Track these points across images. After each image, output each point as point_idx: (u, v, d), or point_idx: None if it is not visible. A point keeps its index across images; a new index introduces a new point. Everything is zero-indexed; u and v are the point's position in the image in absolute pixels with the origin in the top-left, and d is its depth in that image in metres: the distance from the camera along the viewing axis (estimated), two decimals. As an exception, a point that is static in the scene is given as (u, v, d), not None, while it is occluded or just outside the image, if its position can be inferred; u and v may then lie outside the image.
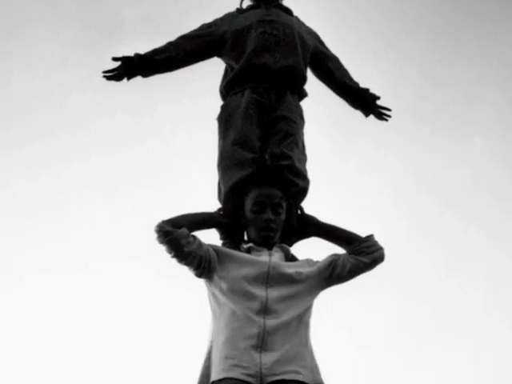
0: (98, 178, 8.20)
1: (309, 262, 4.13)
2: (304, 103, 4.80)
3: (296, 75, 4.72)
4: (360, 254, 4.08)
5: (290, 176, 4.36)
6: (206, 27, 4.87)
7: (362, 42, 8.36)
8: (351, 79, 5.06)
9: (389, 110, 5.13)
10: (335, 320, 7.07)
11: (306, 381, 3.81)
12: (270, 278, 3.93)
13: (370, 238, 4.16)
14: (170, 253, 3.91)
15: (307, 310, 3.99)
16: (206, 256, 3.93)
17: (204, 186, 4.84)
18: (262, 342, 3.78)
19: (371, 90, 5.11)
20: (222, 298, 3.92)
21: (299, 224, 4.34)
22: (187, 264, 3.93)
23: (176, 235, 3.88)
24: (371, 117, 5.16)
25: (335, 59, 5.05)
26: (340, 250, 4.19)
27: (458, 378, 8.01)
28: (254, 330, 3.80)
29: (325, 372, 3.97)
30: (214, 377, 3.80)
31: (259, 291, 3.88)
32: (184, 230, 3.91)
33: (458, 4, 9.31)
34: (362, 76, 5.13)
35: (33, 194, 8.32)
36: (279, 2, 5.01)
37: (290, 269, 3.99)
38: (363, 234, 4.19)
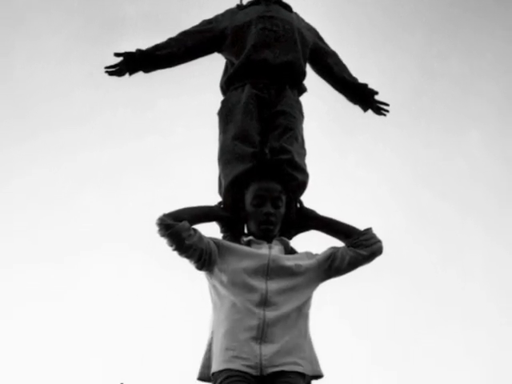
0: (99, 171, 8.22)
1: (308, 254, 4.12)
2: (303, 98, 4.79)
3: (295, 71, 4.71)
4: (359, 247, 4.08)
5: (290, 170, 4.35)
6: (206, 23, 4.86)
7: (361, 38, 8.36)
8: (350, 74, 5.05)
9: (387, 104, 5.12)
10: (334, 312, 7.08)
11: (305, 372, 3.82)
12: (270, 270, 3.92)
13: (368, 230, 4.15)
14: (171, 246, 3.91)
15: (306, 302, 3.99)
16: (206, 249, 3.92)
17: (203, 179, 4.84)
18: (262, 334, 3.78)
19: (369, 85, 5.10)
20: (223, 291, 3.92)
21: (298, 217, 4.34)
22: (188, 257, 3.93)
23: (177, 228, 3.88)
24: (370, 111, 5.16)
25: (334, 55, 5.04)
26: (339, 243, 4.19)
27: (455, 367, 8.03)
28: (254, 322, 3.80)
29: (324, 363, 3.98)
30: (214, 368, 3.81)
31: (259, 283, 3.88)
32: (185, 224, 3.91)
33: (454, 0, 9.31)
34: (361, 71, 5.12)
35: (35, 186, 8.33)
36: (279, -2, 4.99)
37: (289, 261, 3.99)
38: (362, 227, 4.19)
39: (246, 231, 4.26)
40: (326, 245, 4.19)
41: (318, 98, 5.18)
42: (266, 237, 4.09)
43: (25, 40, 8.53)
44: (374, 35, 8.68)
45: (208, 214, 4.24)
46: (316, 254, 4.13)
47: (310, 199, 4.44)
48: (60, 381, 7.36)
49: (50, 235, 8.18)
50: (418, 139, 8.90)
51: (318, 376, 3.93)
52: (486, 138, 9.20)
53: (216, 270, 3.97)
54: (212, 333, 3.97)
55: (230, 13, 4.90)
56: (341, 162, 8.14)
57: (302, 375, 3.80)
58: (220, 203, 4.36)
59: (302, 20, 4.99)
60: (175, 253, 3.94)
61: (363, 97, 5.09)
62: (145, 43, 4.74)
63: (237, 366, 3.72)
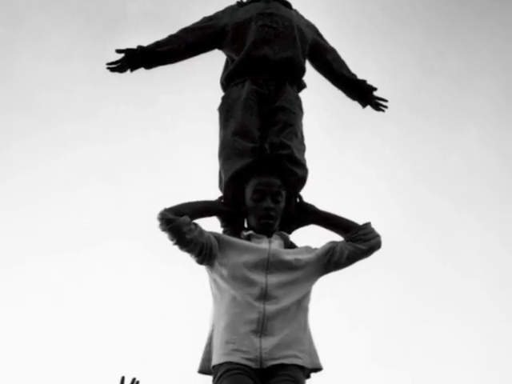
0: (101, 166, 8.21)
1: (307, 249, 4.13)
2: (303, 94, 4.79)
3: (295, 67, 4.70)
4: (357, 241, 4.08)
5: (289, 165, 4.35)
6: (207, 20, 4.86)
7: (360, 35, 8.36)
8: (349, 71, 5.04)
9: (385, 100, 5.12)
10: (334, 305, 7.08)
11: (304, 365, 3.83)
12: (270, 264, 3.92)
13: (366, 225, 4.15)
14: (172, 240, 3.91)
15: (306, 296, 4.00)
16: (207, 243, 3.92)
17: (206, 175, 4.83)
18: (262, 327, 3.78)
19: (368, 82, 5.10)
20: (223, 284, 3.92)
21: (298, 212, 4.33)
22: (189, 251, 3.93)
23: (178, 223, 3.87)
24: (368, 107, 5.15)
25: (333, 51, 5.03)
26: (338, 238, 4.19)
27: (453, 361, 8.04)
28: (254, 316, 3.80)
29: (323, 356, 3.98)
30: (214, 361, 3.81)
31: (259, 277, 3.88)
32: (186, 218, 3.91)
33: (452, -2, 9.32)
34: (360, 67, 5.12)
35: (37, 181, 8.32)
36: (278, -5, 4.98)
37: (289, 256, 3.99)
38: (360, 222, 4.19)
39: (246, 226, 4.27)
40: (326, 239, 4.19)
41: (317, 94, 5.18)
42: (265, 231, 4.09)
43: (27, 37, 8.53)
44: (372, 32, 8.68)
45: (208, 209, 4.24)
46: (315, 249, 4.13)
47: (310, 194, 4.44)
48: (61, 375, 7.36)
49: (50, 228, 8.18)
50: (416, 135, 8.91)
51: (318, 369, 3.94)
52: (484, 135, 9.20)
53: (216, 264, 3.97)
54: (212, 326, 3.97)
55: (230, 10, 4.90)
56: (339, 157, 8.14)
57: (301, 368, 3.81)
58: (220, 198, 4.36)
59: (302, 17, 4.99)
60: (176, 247, 3.94)
61: (362, 93, 5.08)
62: (146, 40, 4.75)
63: (237, 358, 3.73)
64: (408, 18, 9.07)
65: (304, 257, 4.02)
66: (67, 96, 8.33)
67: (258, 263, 3.92)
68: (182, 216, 3.91)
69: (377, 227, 4.17)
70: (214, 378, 3.79)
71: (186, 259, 4.01)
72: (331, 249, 4.07)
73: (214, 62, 4.90)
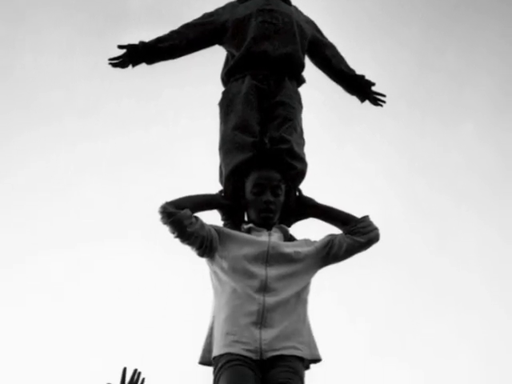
0: (103, 162, 8.21)
1: (307, 241, 4.14)
2: (302, 89, 4.79)
3: (294, 62, 4.71)
4: (356, 234, 4.09)
5: (289, 159, 4.35)
6: (207, 16, 4.86)
7: (359, 31, 8.34)
8: (347, 66, 5.04)
9: (383, 95, 5.12)
10: (333, 297, 7.09)
11: (304, 356, 3.84)
12: (270, 257, 3.94)
13: (365, 218, 4.17)
14: (174, 233, 3.92)
15: (305, 288, 4.01)
16: (207, 236, 3.93)
17: (207, 170, 4.84)
18: (262, 319, 3.80)
19: (366, 77, 5.09)
20: (224, 277, 3.93)
21: (297, 205, 4.34)
22: (190, 244, 3.94)
23: (179, 216, 3.88)
24: (367, 102, 5.15)
25: (332, 47, 5.03)
26: (337, 231, 4.19)
27: (450, 352, 8.05)
28: (254, 308, 3.82)
29: (322, 347, 3.99)
30: (215, 352, 3.82)
31: (259, 270, 3.90)
32: (187, 211, 3.92)
33: (450, -5, 9.32)
34: (358, 63, 5.12)
35: (39, 177, 8.32)
36: (278, -9, 4.98)
37: (288, 248, 4.00)
38: (359, 215, 4.19)
39: (246, 219, 4.27)
40: (325, 232, 4.20)
41: (316, 89, 5.17)
42: (265, 224, 4.11)
43: (28, 33, 8.51)
44: (371, 29, 8.68)
45: (209, 202, 4.25)
46: (314, 241, 4.14)
47: (309, 188, 4.45)
48: (62, 370, 7.37)
49: (53, 223, 8.17)
50: (415, 130, 8.91)
51: (317, 360, 3.95)
52: (481, 130, 9.20)
53: (217, 256, 3.98)
54: (213, 318, 3.98)
55: (230, 6, 4.90)
56: (338, 152, 8.14)
57: (300, 359, 3.82)
58: (221, 192, 4.37)
59: (301, 13, 4.99)
60: (177, 240, 3.96)
61: (360, 88, 5.08)
62: (148, 36, 4.75)
63: (237, 350, 3.74)
64: (406, 15, 9.07)
65: (303, 249, 4.04)
66: (68, 92, 8.32)
67: (257, 256, 3.93)
68: (183, 209, 3.92)
69: (375, 221, 4.19)
70: (214, 369, 3.80)
71: (187, 252, 4.02)
72: (330, 241, 4.08)
73: (214, 57, 4.90)
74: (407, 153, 8.83)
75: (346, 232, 4.12)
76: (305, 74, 4.82)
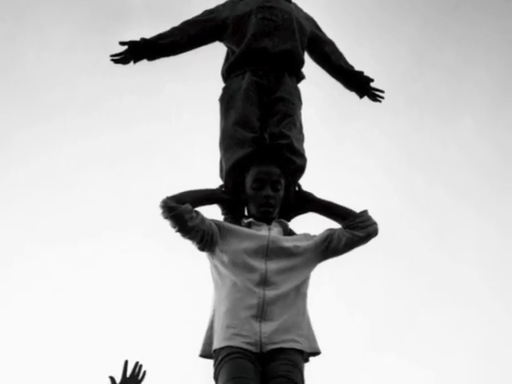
0: (104, 157, 8.21)
1: (306, 236, 4.15)
2: (301, 85, 4.80)
3: (294, 59, 4.72)
4: (355, 229, 4.09)
5: (289, 154, 4.36)
6: (208, 13, 4.87)
7: (358, 28, 8.35)
8: (346, 62, 5.05)
9: (382, 91, 5.13)
10: (332, 291, 7.10)
11: (303, 349, 3.85)
12: (270, 251, 3.95)
13: (364, 213, 4.17)
14: (174, 227, 3.93)
15: (304, 282, 4.02)
16: (208, 230, 3.94)
17: (207, 166, 4.85)
18: (262, 312, 3.80)
19: (365, 73, 5.10)
20: (224, 270, 3.94)
21: (297, 200, 4.34)
22: (190, 238, 3.95)
23: (180, 211, 3.89)
24: (365, 98, 5.16)
25: (331, 43, 5.04)
26: (336, 225, 4.20)
27: (449, 346, 8.06)
28: (254, 301, 3.82)
29: (321, 340, 4.00)
30: (215, 345, 3.83)
31: (259, 264, 3.91)
32: (187, 206, 3.93)
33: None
34: (357, 59, 5.12)
35: (40, 173, 8.32)
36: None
37: (288, 242, 4.01)
38: (358, 210, 4.20)
39: (246, 213, 4.28)
40: (324, 227, 4.21)
41: (315, 85, 5.18)
42: (265, 219, 4.11)
43: (30, 30, 8.51)
44: (370, 26, 8.68)
45: (210, 197, 4.26)
46: (314, 236, 4.15)
47: (308, 184, 4.45)
48: (63, 366, 7.38)
49: (52, 222, 8.18)
50: (413, 126, 8.91)
51: (316, 353, 3.96)
52: (479, 125, 9.20)
53: (217, 250, 3.99)
54: (213, 311, 3.98)
55: (230, 3, 4.91)
56: (337, 147, 8.14)
57: (300, 352, 3.83)
58: (221, 186, 4.37)
59: (301, 10, 5.00)
60: (178, 234, 3.97)
61: (359, 84, 5.08)
62: (149, 32, 4.76)
63: (237, 343, 3.75)
64: (405, 12, 9.06)
65: (303, 244, 4.04)
66: (70, 88, 8.33)
67: (257, 250, 3.94)
68: (183, 204, 3.93)
69: (374, 215, 4.19)
70: (214, 362, 3.81)
71: (188, 248, 4.03)
72: (329, 236, 4.09)
73: (215, 53, 4.91)
74: (406, 148, 8.84)
75: (345, 226, 4.12)
76: (304, 70, 4.83)
